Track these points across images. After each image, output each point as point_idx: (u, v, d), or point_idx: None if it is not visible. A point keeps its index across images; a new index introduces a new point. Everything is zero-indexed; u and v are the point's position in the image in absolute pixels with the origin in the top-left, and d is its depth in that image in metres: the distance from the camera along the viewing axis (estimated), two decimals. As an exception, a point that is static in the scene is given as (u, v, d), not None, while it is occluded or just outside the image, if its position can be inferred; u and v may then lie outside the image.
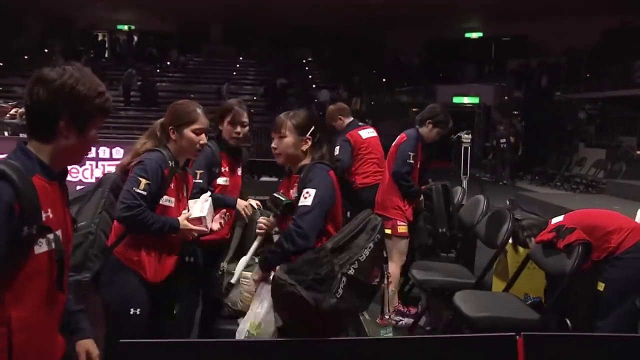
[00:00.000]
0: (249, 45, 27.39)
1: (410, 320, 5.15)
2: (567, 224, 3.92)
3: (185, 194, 3.22)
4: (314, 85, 25.37)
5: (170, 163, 3.07)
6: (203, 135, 3.19)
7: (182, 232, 3.07)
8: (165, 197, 3.06)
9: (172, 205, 3.10)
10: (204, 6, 23.84)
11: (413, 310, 5.30)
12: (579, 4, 20.59)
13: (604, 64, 21.52)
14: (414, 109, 20.04)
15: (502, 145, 17.57)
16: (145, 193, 2.95)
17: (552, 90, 21.12)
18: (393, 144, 5.21)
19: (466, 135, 9.40)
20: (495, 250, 4.64)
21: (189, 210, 3.15)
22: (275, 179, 6.78)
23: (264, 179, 7.66)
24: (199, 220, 3.13)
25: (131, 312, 2.97)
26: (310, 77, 26.57)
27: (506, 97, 21.96)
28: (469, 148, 9.44)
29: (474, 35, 27.49)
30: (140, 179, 2.95)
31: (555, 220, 4.11)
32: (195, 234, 3.15)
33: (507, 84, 22.48)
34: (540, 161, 18.24)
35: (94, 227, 3.07)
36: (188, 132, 3.13)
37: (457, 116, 7.99)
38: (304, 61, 27.64)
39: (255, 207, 3.75)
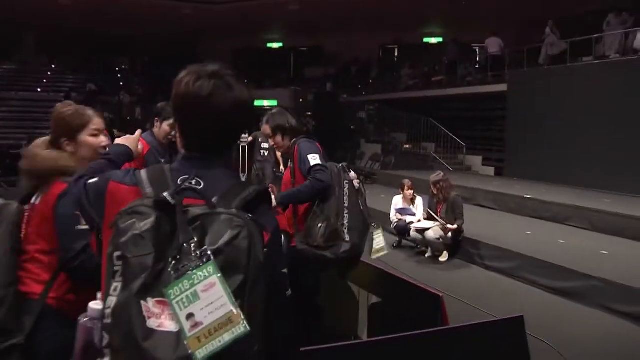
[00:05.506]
0: (62, 53, 26.92)
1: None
2: None
3: None
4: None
5: None
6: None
7: None
8: None
9: None
10: (15, 14, 22.94)
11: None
12: (363, 22, 23.56)
13: (381, 72, 25.56)
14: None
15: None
16: None
17: (338, 94, 23.97)
18: None
19: (243, 136, 9.82)
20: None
21: None
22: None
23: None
24: None
25: None
26: (121, 84, 26.47)
27: (301, 100, 24.10)
28: (246, 147, 9.73)
29: (275, 45, 29.74)
30: None
31: None
32: None
33: (302, 88, 25.04)
34: (328, 155, 18.80)
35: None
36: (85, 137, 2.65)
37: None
38: (117, 69, 27.93)
39: None
